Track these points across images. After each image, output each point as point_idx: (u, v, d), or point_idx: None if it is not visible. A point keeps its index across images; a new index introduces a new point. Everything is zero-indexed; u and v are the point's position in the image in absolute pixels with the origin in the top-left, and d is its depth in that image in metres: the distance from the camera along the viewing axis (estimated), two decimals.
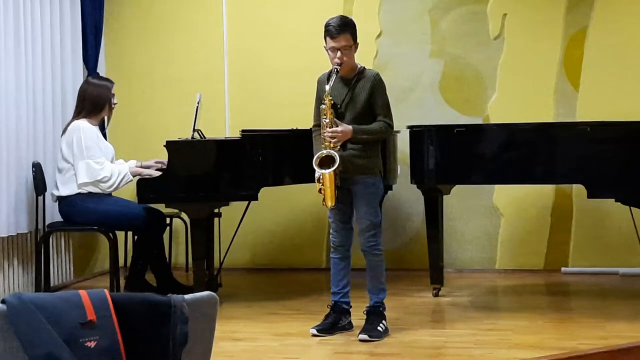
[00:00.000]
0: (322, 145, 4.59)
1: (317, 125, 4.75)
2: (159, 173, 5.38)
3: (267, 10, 6.88)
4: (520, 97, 6.48)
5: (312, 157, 4.63)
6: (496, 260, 6.56)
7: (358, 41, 4.75)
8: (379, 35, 6.68)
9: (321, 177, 4.55)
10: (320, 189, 4.58)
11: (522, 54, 6.50)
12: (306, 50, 6.63)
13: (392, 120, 4.74)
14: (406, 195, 6.47)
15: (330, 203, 4.59)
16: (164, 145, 5.31)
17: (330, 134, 4.56)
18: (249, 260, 6.87)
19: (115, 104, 5.72)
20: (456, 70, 6.60)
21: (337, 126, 4.58)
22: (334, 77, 4.61)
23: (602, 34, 6.39)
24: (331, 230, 4.82)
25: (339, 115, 4.66)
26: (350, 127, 4.59)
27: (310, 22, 6.70)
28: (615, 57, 6.35)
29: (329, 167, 4.53)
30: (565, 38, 6.44)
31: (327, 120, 4.58)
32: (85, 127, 5.51)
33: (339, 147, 4.57)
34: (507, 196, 6.49)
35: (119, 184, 5.49)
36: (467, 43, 6.59)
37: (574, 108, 6.41)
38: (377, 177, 4.73)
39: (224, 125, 6.82)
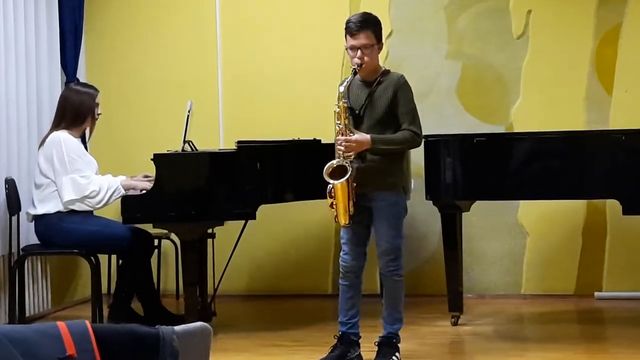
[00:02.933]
0: (336, 155, 4.57)
1: None
2: (151, 183, 5.38)
3: (266, 8, 6.90)
4: (546, 103, 6.49)
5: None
6: (522, 285, 6.55)
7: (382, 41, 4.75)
8: (389, 35, 6.68)
9: (333, 190, 4.54)
10: (332, 204, 4.56)
11: (548, 55, 6.50)
12: (310, 53, 6.65)
13: (420, 129, 4.69)
14: (421, 212, 6.45)
15: (343, 220, 4.56)
16: (151, 159, 5.31)
17: (343, 143, 4.54)
18: (246, 286, 6.86)
19: (99, 114, 5.72)
20: (475, 73, 6.61)
21: (352, 134, 4.57)
22: (350, 78, 4.60)
23: (637, 32, 6.39)
24: (342, 253, 4.78)
25: (357, 120, 4.64)
26: (368, 136, 4.55)
27: (313, 21, 6.73)
28: None
29: (340, 179, 4.50)
30: (597, 36, 6.45)
31: (341, 126, 4.57)
32: (66, 139, 5.51)
33: (353, 158, 4.54)
34: (533, 213, 6.48)
35: (109, 198, 5.48)
36: (488, 43, 6.60)
37: (607, 114, 6.42)
38: (399, 194, 4.70)
39: (217, 136, 6.83)
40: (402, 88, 4.68)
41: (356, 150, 4.54)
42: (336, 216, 4.57)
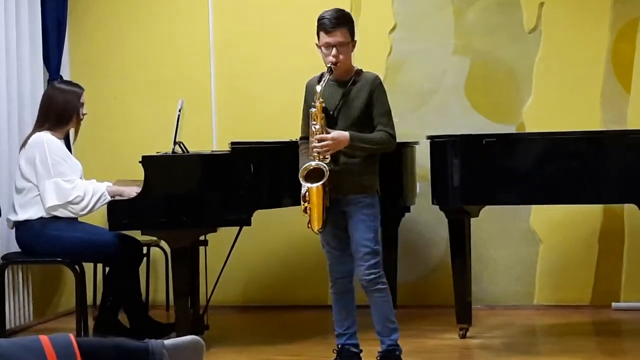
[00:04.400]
0: (310, 157, 4.61)
1: (305, 137, 4.78)
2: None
3: (262, 1, 6.90)
4: (560, 101, 6.49)
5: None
6: (534, 295, 6.55)
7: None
8: (392, 29, 6.70)
9: (307, 193, 4.57)
10: (306, 209, 4.60)
11: (562, 50, 6.51)
12: (307, 49, 6.61)
13: (394, 131, 4.75)
14: (427, 218, 6.46)
15: (317, 226, 4.62)
16: (140, 162, 5.31)
17: (320, 144, 4.57)
18: (241, 296, 6.87)
19: (84, 114, 5.72)
20: (484, 70, 6.62)
21: (328, 133, 4.60)
22: (327, 77, 4.63)
23: None
24: (328, 262, 4.84)
25: (331, 122, 4.67)
26: (346, 133, 4.60)
27: (311, 15, 6.69)
28: None
29: (316, 182, 4.55)
30: (614, 30, 6.46)
31: (318, 127, 4.61)
32: (49, 140, 5.51)
33: (329, 159, 4.58)
34: (546, 218, 6.49)
35: (94, 205, 5.49)
36: (498, 37, 6.60)
37: (625, 113, 6.42)
38: (374, 197, 4.74)
39: (210, 137, 6.83)
40: (378, 89, 4.73)
41: (334, 149, 4.58)
42: (309, 222, 4.62)
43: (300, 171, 4.60)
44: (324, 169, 4.54)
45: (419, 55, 6.67)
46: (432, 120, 6.53)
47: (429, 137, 5.62)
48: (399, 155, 5.85)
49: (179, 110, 5.58)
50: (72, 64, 6.91)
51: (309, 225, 4.64)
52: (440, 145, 5.51)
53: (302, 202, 4.60)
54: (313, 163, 4.57)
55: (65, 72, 6.70)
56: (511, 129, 6.49)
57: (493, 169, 5.43)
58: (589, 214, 6.42)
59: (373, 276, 4.69)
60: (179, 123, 5.55)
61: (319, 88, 4.61)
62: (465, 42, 6.65)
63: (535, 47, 6.54)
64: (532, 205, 6.42)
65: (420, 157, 6.14)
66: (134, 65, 6.99)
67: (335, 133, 4.59)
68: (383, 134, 4.68)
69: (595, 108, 6.45)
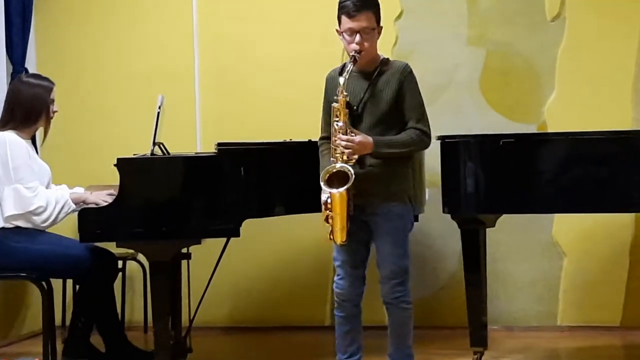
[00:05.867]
0: (332, 158, 4.54)
1: (326, 137, 4.72)
2: (111, 199, 5.35)
3: None
4: (586, 97, 6.49)
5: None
6: (557, 315, 6.55)
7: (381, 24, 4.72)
8: (399, 17, 6.69)
9: (330, 200, 4.51)
10: (327, 217, 4.53)
11: (588, 40, 6.50)
12: (303, 39, 6.63)
13: (428, 127, 4.69)
14: (437, 228, 6.46)
15: (340, 237, 4.52)
16: (115, 164, 5.28)
17: (344, 143, 4.51)
18: (228, 316, 6.86)
19: (55, 112, 5.70)
20: (502, 62, 6.62)
21: (354, 134, 4.52)
22: (350, 68, 4.57)
23: None
24: (336, 278, 4.77)
25: (355, 119, 4.61)
26: (370, 138, 4.54)
27: (306, 3, 6.71)
28: None
29: (340, 187, 4.48)
30: None
31: (341, 124, 4.53)
32: (12, 142, 5.49)
33: (354, 162, 4.52)
34: (571, 229, 6.48)
35: (57, 215, 5.47)
36: (516, 26, 6.60)
37: None
38: (405, 205, 4.69)
39: (194, 137, 6.82)
40: (408, 78, 4.68)
41: (358, 153, 4.52)
42: (331, 232, 4.54)
43: (321, 174, 4.53)
44: (349, 172, 4.47)
45: (428, 46, 6.67)
46: (443, 118, 6.49)
47: (439, 138, 5.58)
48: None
49: (159, 108, 5.55)
50: (38, 55, 6.90)
51: (331, 237, 4.55)
52: (452, 146, 5.49)
53: (323, 210, 4.52)
54: (337, 165, 4.50)
55: (31, 65, 6.70)
56: (532, 129, 6.49)
57: (511, 173, 5.40)
58: (619, 224, 6.41)
59: (399, 295, 4.67)
60: (159, 121, 5.52)
61: (341, 80, 4.53)
62: (480, 32, 6.65)
63: (558, 37, 6.54)
64: (555, 215, 6.41)
65: (429, 160, 6.11)
66: (108, 56, 6.99)
67: (361, 137, 4.51)
68: (413, 132, 4.62)
69: (626, 105, 6.45)
